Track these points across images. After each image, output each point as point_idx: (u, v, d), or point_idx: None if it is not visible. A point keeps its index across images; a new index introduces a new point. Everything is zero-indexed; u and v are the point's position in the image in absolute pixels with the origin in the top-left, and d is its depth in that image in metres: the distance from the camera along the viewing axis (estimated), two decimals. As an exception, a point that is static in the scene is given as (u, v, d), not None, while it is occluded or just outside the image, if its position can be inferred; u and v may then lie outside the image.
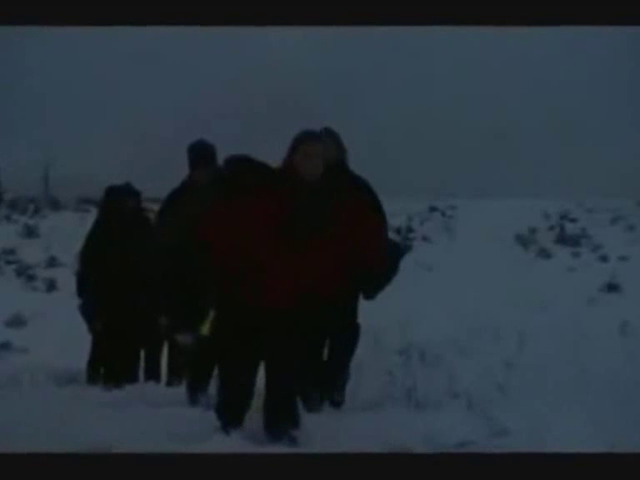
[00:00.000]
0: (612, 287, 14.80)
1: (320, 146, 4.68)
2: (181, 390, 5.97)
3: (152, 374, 7.34)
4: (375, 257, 4.92)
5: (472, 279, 15.03)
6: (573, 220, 23.45)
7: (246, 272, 4.55)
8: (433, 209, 25.34)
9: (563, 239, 21.19)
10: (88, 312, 7.36)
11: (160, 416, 5.14)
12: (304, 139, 4.67)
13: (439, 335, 8.46)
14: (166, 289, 5.98)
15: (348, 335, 5.61)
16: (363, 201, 5.14)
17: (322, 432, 4.66)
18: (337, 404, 5.52)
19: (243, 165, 4.74)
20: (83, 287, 7.48)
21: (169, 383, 6.67)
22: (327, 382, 5.51)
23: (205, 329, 5.02)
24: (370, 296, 5.33)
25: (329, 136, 5.37)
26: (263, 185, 4.62)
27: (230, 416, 4.66)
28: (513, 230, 21.36)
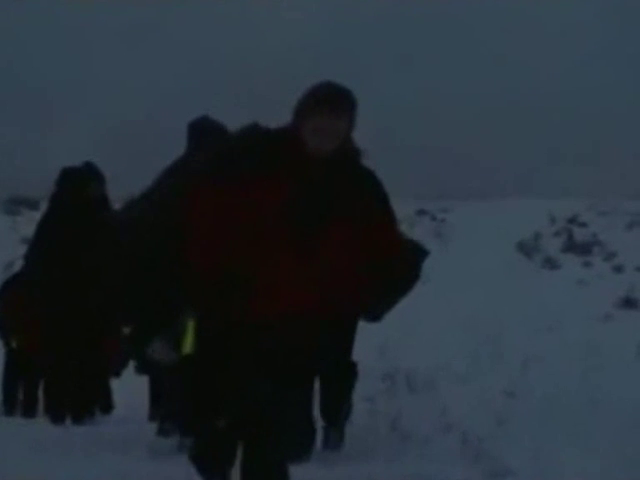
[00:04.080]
0: (629, 302, 14.92)
1: (340, 117, 4.12)
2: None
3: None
4: (398, 260, 4.55)
5: (467, 294, 15.08)
6: (583, 225, 23.62)
7: (237, 278, 4.19)
8: (421, 212, 25.46)
9: (572, 247, 21.33)
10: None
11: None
12: (319, 107, 4.12)
13: (429, 358, 8.48)
14: (136, 294, 5.78)
15: (345, 371, 5.45)
16: (377, 192, 4.62)
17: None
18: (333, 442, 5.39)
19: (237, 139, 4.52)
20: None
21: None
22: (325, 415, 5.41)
23: (188, 345, 4.59)
24: (378, 315, 5.04)
25: None
26: (261, 166, 4.17)
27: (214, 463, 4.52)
28: (514, 236, 21.48)
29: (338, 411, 5.41)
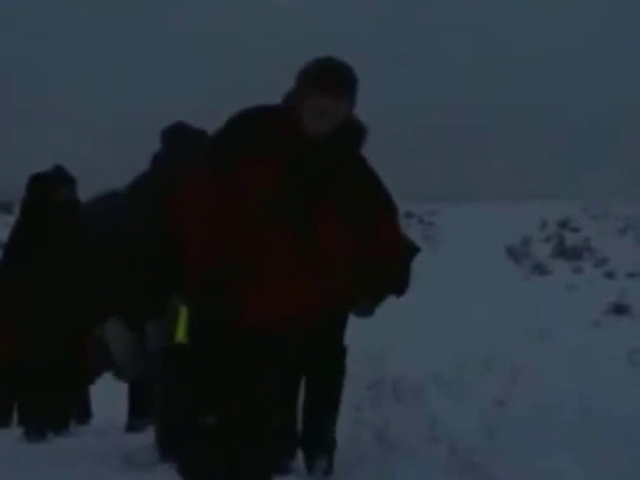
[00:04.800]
0: (620, 309, 14.97)
1: (341, 98, 3.93)
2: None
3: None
4: (396, 254, 4.35)
5: (455, 300, 15.11)
6: (575, 229, 23.72)
7: (233, 271, 3.97)
8: (409, 215, 25.48)
9: (562, 252, 21.41)
10: None
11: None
12: (319, 88, 3.91)
13: (416, 366, 8.48)
14: (117, 284, 5.72)
15: (335, 374, 5.28)
16: (377, 182, 4.39)
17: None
18: (320, 470, 5.13)
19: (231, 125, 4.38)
20: None
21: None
22: (307, 441, 5.19)
23: (181, 333, 4.29)
24: (369, 311, 4.93)
25: None
26: (255, 146, 3.97)
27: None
28: (504, 241, 21.54)
29: (325, 419, 5.23)
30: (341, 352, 5.25)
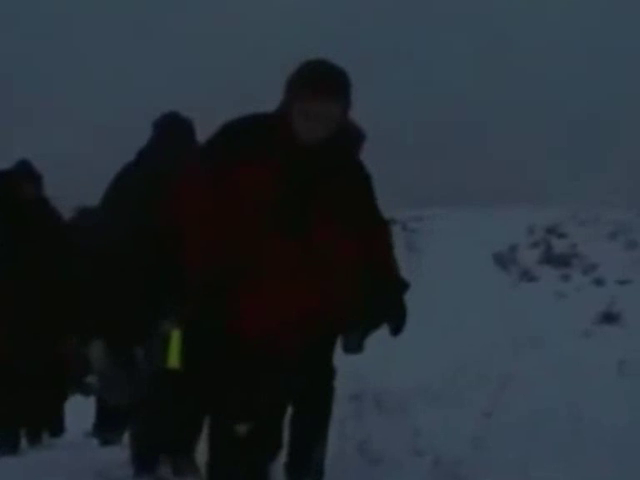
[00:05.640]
0: (610, 317, 15.02)
1: (332, 101, 3.90)
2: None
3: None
4: (392, 271, 4.31)
5: (441, 309, 15.13)
6: (562, 235, 23.77)
7: (227, 276, 3.93)
8: (391, 221, 25.48)
9: (550, 258, 21.46)
10: None
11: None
12: (309, 90, 3.88)
13: (401, 378, 8.50)
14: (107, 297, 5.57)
15: (324, 397, 5.13)
16: (370, 193, 4.35)
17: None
18: None
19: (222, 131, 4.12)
20: None
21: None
22: (293, 462, 5.06)
23: (173, 358, 4.10)
24: (359, 346, 4.64)
25: None
26: (247, 152, 3.94)
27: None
28: (490, 247, 21.57)
29: (313, 447, 5.07)
30: (330, 374, 5.08)
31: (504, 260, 21.15)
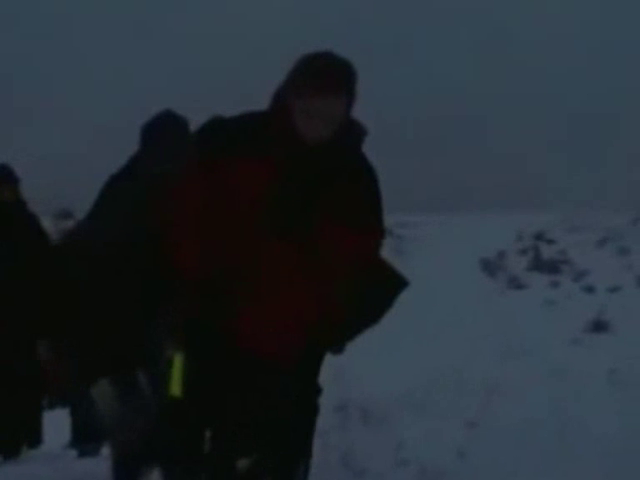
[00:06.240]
0: (599, 325, 15.06)
1: (336, 97, 3.75)
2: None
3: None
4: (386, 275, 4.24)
5: (427, 317, 15.14)
6: (551, 241, 23.83)
7: (220, 280, 3.80)
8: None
9: (539, 265, 21.51)
10: None
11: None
12: (310, 85, 3.73)
13: (385, 387, 8.50)
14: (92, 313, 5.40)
15: (308, 416, 5.12)
16: (372, 195, 4.18)
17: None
18: None
19: (215, 126, 4.01)
20: None
21: None
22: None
23: (175, 386, 3.92)
24: (340, 347, 4.61)
25: None
26: (243, 150, 3.80)
27: None
28: (477, 254, 21.61)
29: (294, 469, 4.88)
30: (316, 393, 4.81)
31: (492, 267, 21.18)
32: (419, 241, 23.58)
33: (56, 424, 7.72)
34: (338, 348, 4.62)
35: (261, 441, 4.00)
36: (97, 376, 5.28)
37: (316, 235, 3.82)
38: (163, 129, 5.59)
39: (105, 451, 5.94)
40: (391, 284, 4.34)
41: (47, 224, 7.71)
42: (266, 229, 3.76)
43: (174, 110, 5.69)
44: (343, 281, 3.93)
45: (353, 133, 3.94)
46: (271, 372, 3.89)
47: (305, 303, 3.84)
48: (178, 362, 3.88)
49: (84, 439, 6.98)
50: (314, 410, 4.81)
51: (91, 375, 5.36)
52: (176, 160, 4.51)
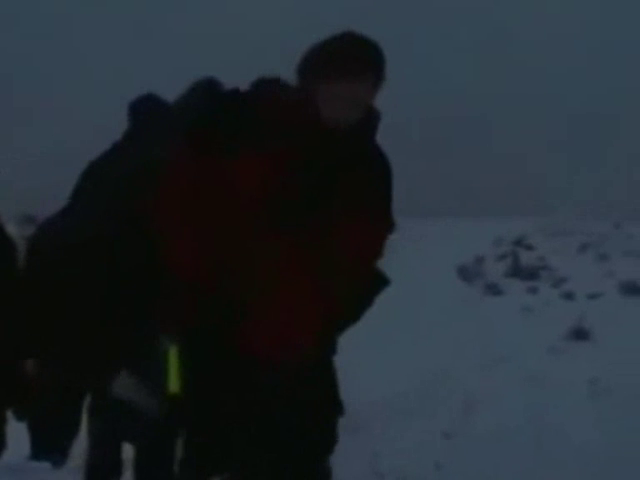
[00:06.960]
0: (579, 333, 15.11)
1: (362, 80, 3.62)
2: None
3: None
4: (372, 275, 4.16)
5: (402, 323, 15.15)
6: (530, 247, 23.89)
7: (217, 279, 3.66)
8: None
9: (517, 271, 21.57)
10: None
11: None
12: (335, 68, 3.59)
13: (359, 397, 8.50)
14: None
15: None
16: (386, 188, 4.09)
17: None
18: None
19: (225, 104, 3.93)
20: None
21: None
22: None
23: (173, 382, 3.81)
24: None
25: None
26: (253, 137, 3.66)
27: None
28: (454, 260, 21.64)
29: None
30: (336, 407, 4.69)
31: (469, 273, 21.21)
32: (394, 246, 23.57)
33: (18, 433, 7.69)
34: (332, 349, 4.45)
35: (256, 450, 3.91)
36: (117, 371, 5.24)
37: (326, 225, 3.70)
38: (148, 112, 5.47)
39: (72, 462, 5.92)
40: (372, 282, 4.27)
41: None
42: (268, 225, 3.63)
43: (158, 95, 5.60)
44: (346, 276, 3.84)
45: (371, 118, 3.83)
46: (275, 374, 3.77)
47: (309, 301, 3.73)
48: (173, 357, 3.76)
49: (46, 449, 6.96)
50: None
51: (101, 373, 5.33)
52: (164, 146, 4.38)
